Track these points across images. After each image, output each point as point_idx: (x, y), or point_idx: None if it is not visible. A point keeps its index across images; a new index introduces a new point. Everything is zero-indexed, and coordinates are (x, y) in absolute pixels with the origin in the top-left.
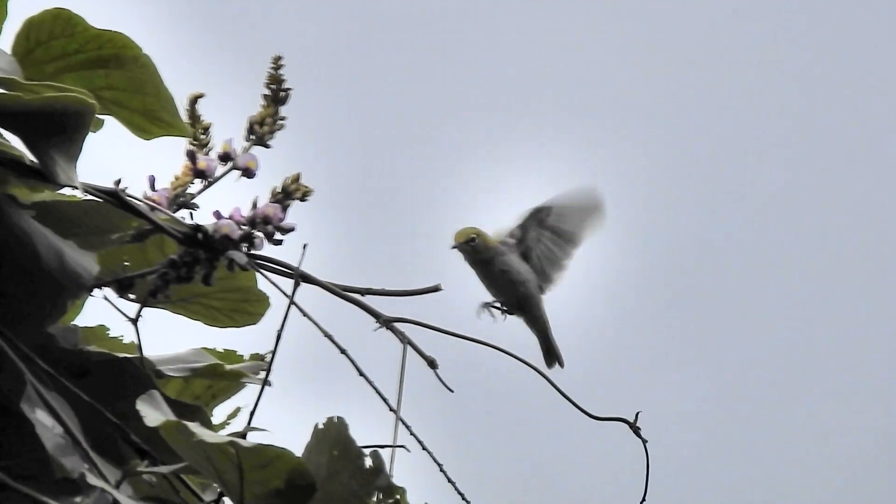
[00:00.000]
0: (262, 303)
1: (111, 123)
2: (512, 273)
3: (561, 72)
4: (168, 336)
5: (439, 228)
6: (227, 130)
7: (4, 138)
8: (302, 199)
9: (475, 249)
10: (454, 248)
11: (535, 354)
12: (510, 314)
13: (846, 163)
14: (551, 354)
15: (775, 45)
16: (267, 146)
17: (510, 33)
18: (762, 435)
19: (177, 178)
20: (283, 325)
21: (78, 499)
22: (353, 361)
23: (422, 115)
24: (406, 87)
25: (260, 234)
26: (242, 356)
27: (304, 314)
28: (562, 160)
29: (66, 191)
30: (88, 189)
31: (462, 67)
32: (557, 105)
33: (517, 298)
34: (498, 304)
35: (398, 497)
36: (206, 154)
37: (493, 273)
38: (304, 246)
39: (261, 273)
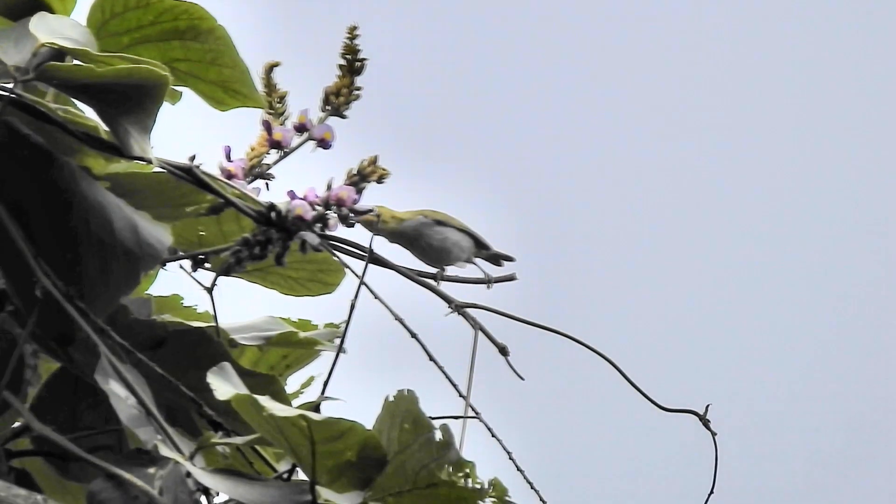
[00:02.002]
0: (338, 273)
1: (187, 95)
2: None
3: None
4: (240, 304)
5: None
6: (303, 101)
7: (79, 110)
8: (378, 182)
9: (382, 223)
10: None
11: (607, 343)
12: None
13: None
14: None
15: None
16: (343, 117)
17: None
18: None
19: (253, 149)
20: (356, 296)
21: (151, 470)
22: (423, 346)
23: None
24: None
25: (333, 215)
26: (317, 325)
27: (376, 296)
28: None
29: (141, 162)
30: (163, 165)
31: None
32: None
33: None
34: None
35: (468, 471)
36: (282, 124)
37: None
38: (378, 216)
39: (333, 255)
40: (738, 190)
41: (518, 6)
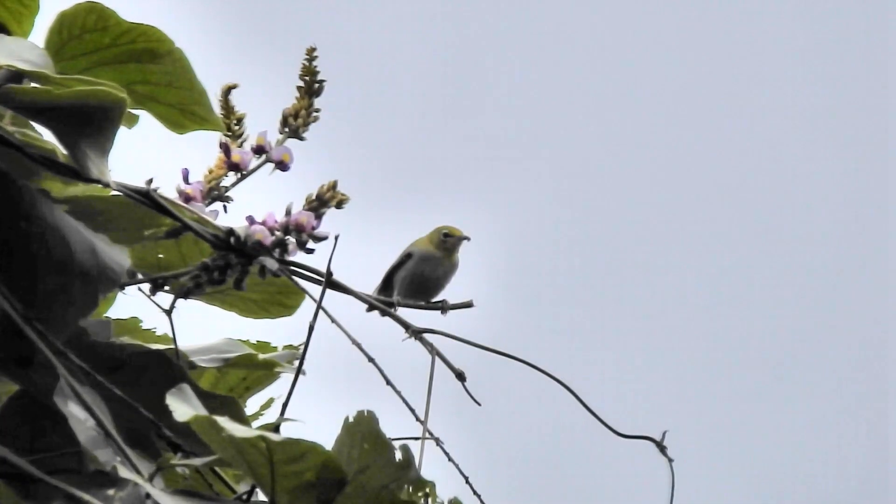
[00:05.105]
0: (297, 296)
1: (144, 118)
2: (448, 280)
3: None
4: (199, 326)
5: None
6: (261, 123)
7: (37, 133)
8: (337, 207)
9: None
10: (447, 235)
11: (562, 368)
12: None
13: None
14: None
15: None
16: (301, 139)
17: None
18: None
19: (211, 171)
20: (314, 319)
21: (111, 491)
22: (380, 370)
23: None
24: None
25: (292, 240)
26: (276, 347)
27: (333, 321)
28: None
29: (99, 185)
30: (121, 189)
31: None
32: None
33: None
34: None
35: (428, 490)
36: (240, 146)
37: (448, 272)
38: (336, 238)
39: (291, 280)
40: (704, 215)
41: (501, 16)
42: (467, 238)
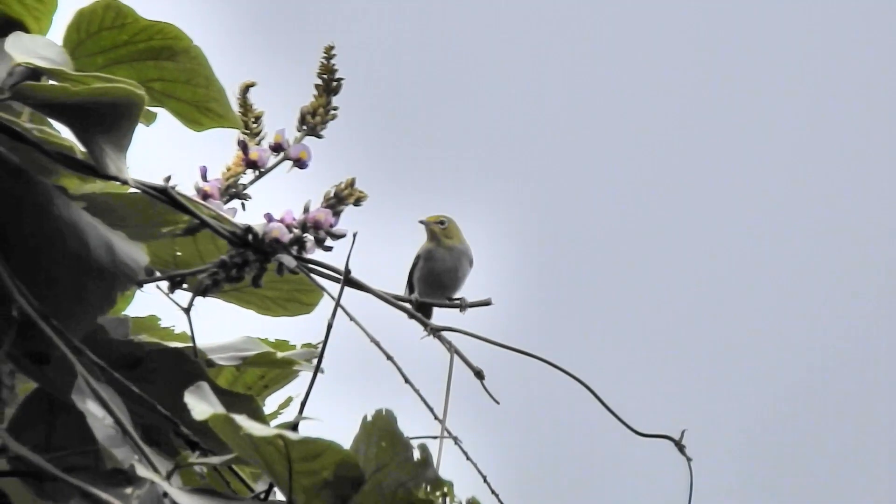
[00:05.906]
0: (315, 293)
1: (163, 115)
2: (462, 270)
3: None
4: (217, 324)
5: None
6: (279, 121)
7: (55, 130)
8: (355, 205)
9: (443, 233)
10: (421, 222)
11: (581, 366)
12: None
13: None
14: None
15: None
16: (319, 136)
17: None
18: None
19: (229, 169)
20: (333, 317)
21: (128, 490)
22: (399, 369)
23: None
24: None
25: (310, 238)
26: (294, 345)
27: (352, 318)
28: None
29: (117, 182)
30: (138, 186)
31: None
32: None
33: (451, 296)
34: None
35: (446, 490)
36: (258, 143)
37: (449, 263)
38: (354, 235)
39: (309, 277)
40: (719, 214)
41: (505, 14)
42: (441, 223)
